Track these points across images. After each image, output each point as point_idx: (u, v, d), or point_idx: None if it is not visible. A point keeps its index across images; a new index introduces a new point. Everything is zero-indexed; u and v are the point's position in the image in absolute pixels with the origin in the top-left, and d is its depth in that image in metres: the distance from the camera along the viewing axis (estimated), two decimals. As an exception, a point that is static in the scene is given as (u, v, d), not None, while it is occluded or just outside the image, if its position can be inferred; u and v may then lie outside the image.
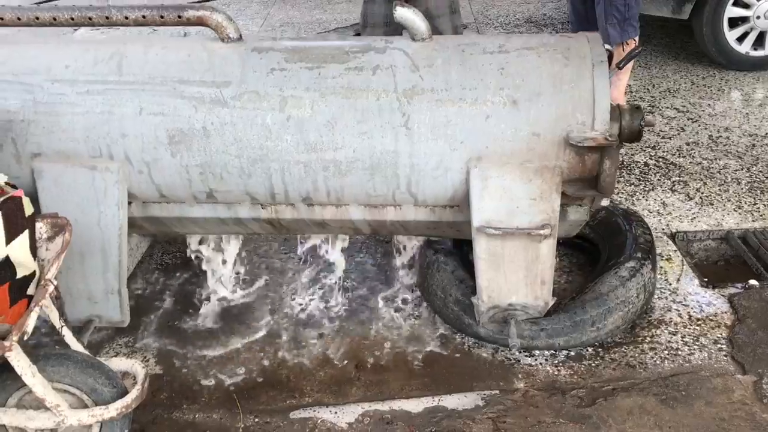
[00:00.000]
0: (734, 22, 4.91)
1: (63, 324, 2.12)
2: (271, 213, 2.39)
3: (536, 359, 2.46)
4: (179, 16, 2.26)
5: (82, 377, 1.99)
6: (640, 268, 2.54)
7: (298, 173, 2.24)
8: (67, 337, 2.13)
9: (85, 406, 2.00)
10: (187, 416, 2.30)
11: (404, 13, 2.25)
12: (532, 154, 2.17)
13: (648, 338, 2.53)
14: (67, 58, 2.29)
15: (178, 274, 2.99)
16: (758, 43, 4.96)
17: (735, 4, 4.84)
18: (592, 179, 2.22)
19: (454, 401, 2.29)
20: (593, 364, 2.43)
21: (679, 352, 2.47)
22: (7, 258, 1.96)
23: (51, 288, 1.93)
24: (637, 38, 3.62)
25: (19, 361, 1.83)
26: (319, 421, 2.25)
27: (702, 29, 4.94)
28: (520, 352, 2.46)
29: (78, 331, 2.33)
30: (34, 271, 2.01)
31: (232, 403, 2.34)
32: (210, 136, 2.21)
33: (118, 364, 2.15)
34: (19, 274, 1.97)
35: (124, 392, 2.01)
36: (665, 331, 2.57)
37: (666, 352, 2.47)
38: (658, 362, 2.43)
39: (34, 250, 2.01)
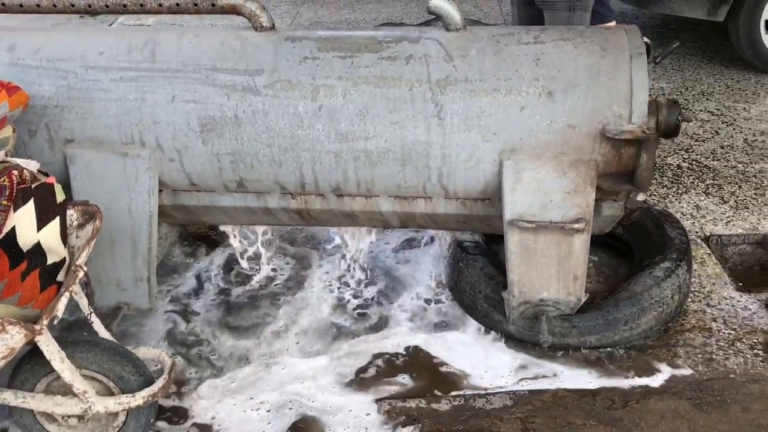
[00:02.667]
0: (771, 25, 4.81)
1: (92, 311, 2.13)
2: (301, 203, 2.37)
3: (567, 358, 2.40)
4: (213, 5, 2.25)
5: (110, 365, 1.99)
6: (675, 268, 2.48)
7: (328, 163, 2.23)
8: (95, 324, 2.14)
9: (112, 394, 2.01)
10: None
11: (439, 3, 2.22)
12: (567, 146, 2.13)
13: (681, 341, 2.47)
14: (101, 45, 2.30)
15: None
16: (796, 46, 4.87)
17: (773, 6, 4.75)
18: (628, 174, 2.17)
19: (481, 400, 2.25)
20: (625, 366, 2.37)
21: (714, 357, 2.40)
22: (38, 244, 1.97)
23: (81, 274, 1.94)
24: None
25: (48, 345, 1.84)
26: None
27: (738, 32, 4.85)
28: (550, 350, 2.41)
29: (106, 318, 2.34)
30: (65, 258, 2.02)
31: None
32: (241, 125, 2.21)
33: (146, 353, 2.15)
34: (50, 261, 1.98)
35: (151, 381, 2.02)
36: (699, 334, 2.51)
37: (700, 356, 2.41)
38: (691, 366, 2.37)
39: (64, 236, 2.02)
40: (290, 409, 2.27)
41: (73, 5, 2.30)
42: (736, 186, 3.51)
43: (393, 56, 2.19)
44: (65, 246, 2.02)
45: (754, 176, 3.60)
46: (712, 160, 3.80)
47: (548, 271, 2.23)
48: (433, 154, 2.18)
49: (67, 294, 1.87)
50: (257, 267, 2.93)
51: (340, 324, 2.64)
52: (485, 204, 2.30)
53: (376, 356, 2.48)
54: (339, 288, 2.82)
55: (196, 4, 2.25)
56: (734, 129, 4.16)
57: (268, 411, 2.25)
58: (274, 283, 2.87)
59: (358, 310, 2.71)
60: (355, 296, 2.78)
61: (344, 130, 2.18)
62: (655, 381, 2.31)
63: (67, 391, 1.94)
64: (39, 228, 1.96)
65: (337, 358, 2.47)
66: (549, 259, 2.21)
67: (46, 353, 1.84)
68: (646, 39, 2.19)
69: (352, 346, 2.53)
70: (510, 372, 2.38)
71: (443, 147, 2.17)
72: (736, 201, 3.37)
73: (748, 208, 3.30)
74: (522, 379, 2.34)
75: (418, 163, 2.20)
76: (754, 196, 3.40)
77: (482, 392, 2.28)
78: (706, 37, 5.68)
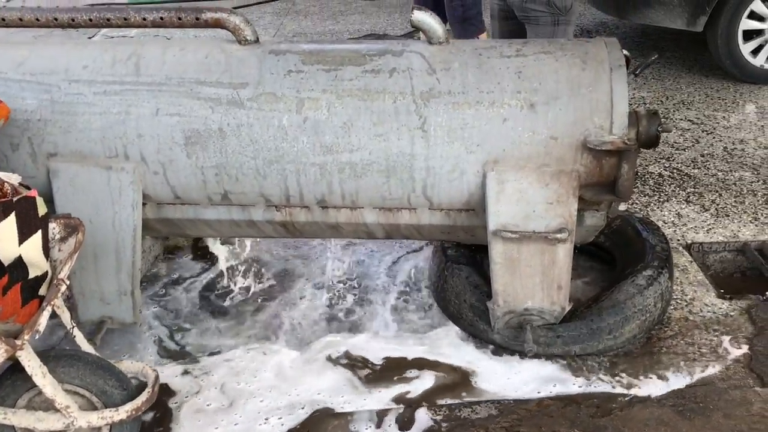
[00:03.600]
0: (749, 35, 4.90)
1: (74, 325, 2.11)
2: (286, 215, 2.38)
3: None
4: (197, 18, 2.26)
5: (93, 379, 1.98)
6: (658, 276, 2.51)
7: (313, 175, 2.24)
8: (77, 338, 2.12)
9: (95, 408, 1.99)
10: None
11: (421, 17, 2.25)
12: (550, 157, 2.16)
13: (664, 348, 2.50)
14: (85, 59, 2.30)
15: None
16: (773, 56, 4.96)
17: (750, 16, 4.84)
18: (609, 184, 2.20)
19: (467, 410, 2.26)
20: (609, 374, 2.39)
21: (696, 364, 2.42)
22: (20, 258, 1.95)
23: (63, 288, 1.93)
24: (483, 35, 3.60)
25: (29, 360, 1.82)
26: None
27: (716, 42, 4.93)
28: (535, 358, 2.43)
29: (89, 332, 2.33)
30: (47, 272, 2.01)
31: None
32: (226, 137, 2.21)
33: (129, 366, 2.14)
34: (32, 275, 1.97)
35: (134, 395, 2.00)
36: (681, 341, 2.53)
37: (683, 363, 2.43)
38: (674, 373, 2.39)
39: (46, 250, 2.01)
40: (288, 414, 2.26)
41: (56, 19, 2.29)
42: (717, 194, 3.56)
43: (377, 69, 2.21)
44: (47, 259, 2.00)
45: (734, 184, 3.65)
46: (693, 168, 3.85)
47: (532, 280, 2.25)
48: (418, 166, 2.20)
49: (49, 308, 1.86)
50: (247, 276, 2.93)
51: (331, 330, 2.64)
52: (469, 215, 2.32)
53: (373, 359, 2.48)
54: (330, 294, 2.83)
55: (180, 18, 2.25)
56: (714, 137, 4.22)
57: (281, 418, 2.24)
58: (263, 291, 2.87)
59: (350, 316, 2.72)
60: (346, 301, 2.79)
61: (329, 142, 2.19)
62: (639, 389, 2.32)
63: (49, 406, 1.92)
64: (20, 242, 1.95)
65: (332, 363, 2.47)
66: (533, 269, 2.23)
67: (27, 368, 1.82)
68: (625, 51, 2.23)
69: (346, 350, 2.53)
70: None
71: (427, 159, 2.19)
72: (716, 209, 3.42)
73: (729, 216, 3.34)
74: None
75: (403, 175, 2.21)
76: (734, 204, 3.45)
77: (467, 402, 2.29)
78: (685, 47, 5.77)
